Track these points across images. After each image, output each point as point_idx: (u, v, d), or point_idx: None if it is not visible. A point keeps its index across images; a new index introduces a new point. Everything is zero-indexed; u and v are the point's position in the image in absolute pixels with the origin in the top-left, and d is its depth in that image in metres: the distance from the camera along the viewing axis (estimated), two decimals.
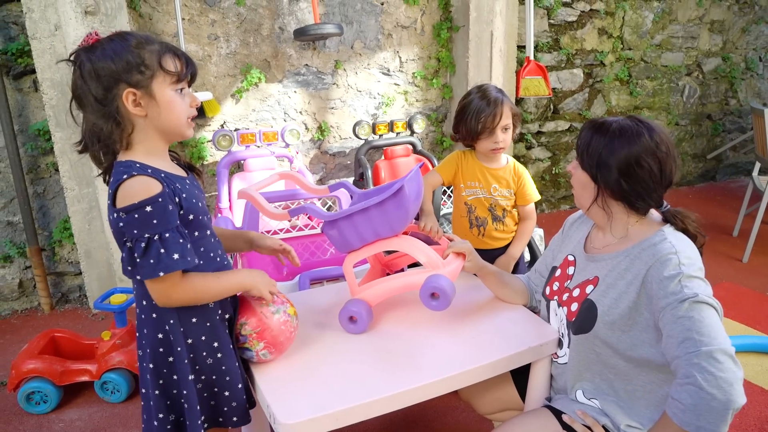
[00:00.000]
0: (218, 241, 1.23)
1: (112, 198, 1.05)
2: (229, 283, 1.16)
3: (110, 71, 1.03)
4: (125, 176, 1.04)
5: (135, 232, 1.02)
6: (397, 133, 3.16)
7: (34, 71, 2.42)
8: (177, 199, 1.08)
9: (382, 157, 3.16)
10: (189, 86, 1.14)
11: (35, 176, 2.70)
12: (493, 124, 1.77)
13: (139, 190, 1.03)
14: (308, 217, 2.52)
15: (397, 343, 1.37)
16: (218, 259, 1.21)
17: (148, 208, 1.02)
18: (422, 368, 1.26)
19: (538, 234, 2.49)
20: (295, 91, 3.12)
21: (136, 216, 1.01)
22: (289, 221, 2.28)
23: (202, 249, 1.15)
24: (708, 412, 0.99)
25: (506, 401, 1.55)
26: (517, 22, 3.48)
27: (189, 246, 1.07)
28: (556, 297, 1.40)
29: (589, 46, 4.04)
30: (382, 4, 3.21)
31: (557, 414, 1.26)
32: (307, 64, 3.10)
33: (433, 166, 3.17)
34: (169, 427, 1.15)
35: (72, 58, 1.06)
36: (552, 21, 3.83)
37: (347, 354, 1.32)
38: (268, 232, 2.19)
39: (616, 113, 4.35)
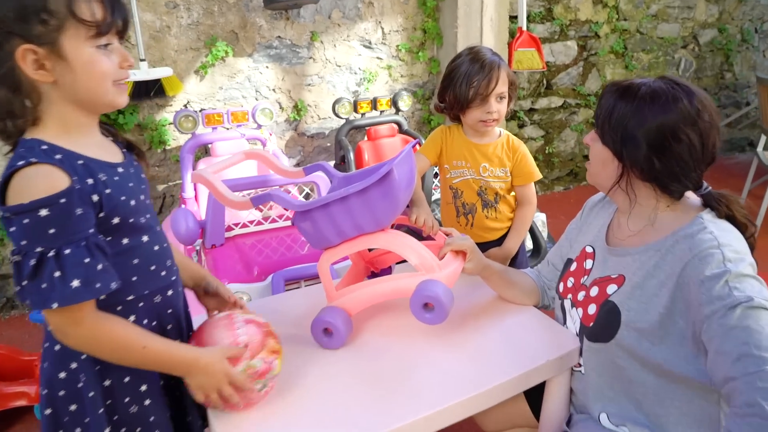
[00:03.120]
0: (165, 248, 0.94)
1: (1, 191, 0.76)
2: (160, 357, 0.85)
3: None
4: (21, 163, 0.75)
5: (23, 243, 0.74)
6: (381, 112, 2.88)
7: None
8: (96, 197, 0.80)
9: (365, 138, 2.89)
10: (121, 39, 0.84)
11: None
12: (487, 91, 1.48)
13: (34, 184, 0.75)
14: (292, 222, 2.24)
15: (387, 362, 1.12)
16: (162, 273, 0.92)
17: (43, 212, 0.74)
18: (421, 395, 1.02)
19: (540, 219, 2.25)
20: (267, 67, 2.81)
21: (26, 222, 0.74)
22: (258, 210, 2.00)
23: (135, 261, 0.87)
24: None
25: (516, 418, 1.32)
26: None
27: (101, 267, 0.78)
28: (570, 295, 1.18)
29: (584, 16, 3.78)
30: None
31: None
32: (279, 36, 2.79)
33: (420, 146, 2.91)
34: None
35: None
36: None
37: (328, 379, 1.06)
38: (236, 225, 1.91)
39: None
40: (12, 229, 0.75)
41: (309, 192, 1.92)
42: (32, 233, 0.74)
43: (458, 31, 3.02)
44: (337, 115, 2.77)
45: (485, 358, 1.12)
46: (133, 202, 0.86)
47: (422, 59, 3.19)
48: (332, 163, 3.10)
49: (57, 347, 0.84)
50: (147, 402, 0.89)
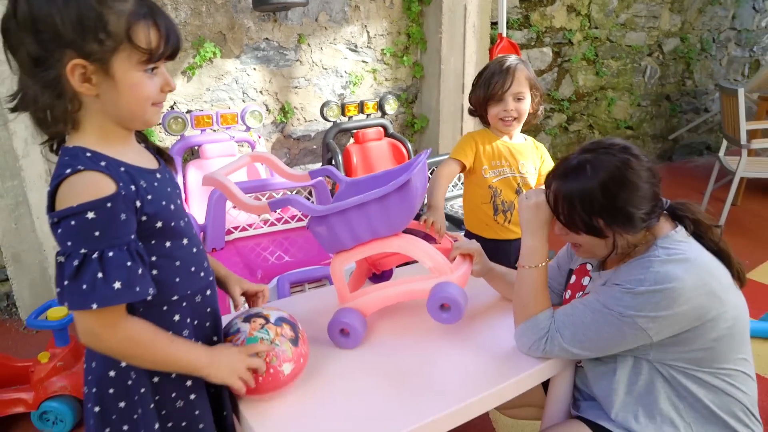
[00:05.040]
0: (201, 250, 0.96)
1: (51, 198, 0.78)
2: (180, 359, 0.87)
3: (53, 28, 0.74)
4: (68, 170, 0.77)
5: (69, 244, 0.76)
6: (368, 115, 2.92)
7: None
8: (138, 203, 0.81)
9: (352, 141, 2.92)
10: (167, 61, 0.85)
11: None
12: (503, 89, 1.62)
13: (82, 189, 0.76)
14: (280, 210, 2.25)
15: (407, 360, 1.17)
16: (202, 274, 0.95)
17: (90, 215, 0.75)
18: (446, 392, 1.06)
19: None
20: (254, 68, 2.81)
21: (73, 223, 0.75)
22: (272, 213, 2.01)
23: (177, 263, 0.89)
24: None
25: (528, 396, 1.39)
26: None
27: (141, 272, 0.80)
28: None
29: (558, 23, 3.92)
30: None
31: (592, 426, 1.13)
32: (267, 38, 2.79)
33: (406, 149, 2.96)
34: None
35: None
36: None
37: (349, 378, 1.10)
38: (235, 228, 1.91)
39: (582, 93, 4.27)
40: (59, 231, 0.76)
41: (307, 196, 1.94)
42: (78, 235, 0.75)
43: (442, 36, 3.08)
44: (325, 118, 2.79)
45: (499, 355, 1.18)
46: (172, 207, 0.88)
47: (406, 63, 3.24)
48: (318, 165, 3.12)
49: None
50: (192, 396, 0.91)
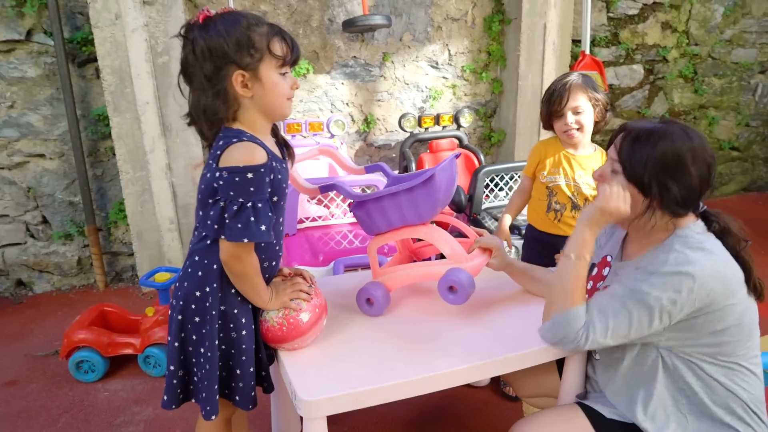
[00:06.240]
0: (282, 231, 1.27)
1: (217, 158, 1.09)
2: (260, 288, 1.17)
3: (222, 51, 1.07)
4: (235, 140, 1.08)
5: (231, 193, 1.06)
6: (443, 127, 3.12)
7: (96, 59, 2.55)
8: (272, 176, 1.11)
9: (427, 151, 3.14)
10: (292, 68, 1.17)
11: (95, 159, 2.85)
12: (560, 106, 1.79)
13: (244, 155, 1.07)
14: (347, 205, 2.52)
15: (423, 329, 1.35)
16: (277, 247, 1.24)
17: (250, 175, 1.06)
18: (447, 355, 1.23)
19: None
20: (342, 83, 3.14)
21: (237, 179, 1.05)
22: (326, 208, 2.30)
23: (275, 233, 1.19)
24: None
25: (547, 387, 1.50)
26: (573, 15, 3.35)
27: (273, 221, 1.10)
28: (587, 296, 1.35)
29: (651, 40, 3.84)
30: None
31: (589, 412, 1.22)
32: (355, 56, 3.12)
33: (479, 161, 3.11)
34: (175, 381, 1.18)
35: (184, 33, 1.11)
36: (611, 14, 3.67)
37: (372, 338, 1.31)
38: (306, 218, 2.21)
39: (678, 112, 4.12)
40: (221, 183, 1.06)
41: (365, 189, 2.19)
42: (239, 188, 1.05)
43: (521, 54, 3.21)
44: (402, 129, 3.04)
45: (507, 334, 1.32)
46: (286, 189, 1.19)
47: (486, 80, 3.41)
48: (396, 172, 3.37)
49: (200, 273, 1.15)
50: (243, 332, 1.18)
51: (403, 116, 3.02)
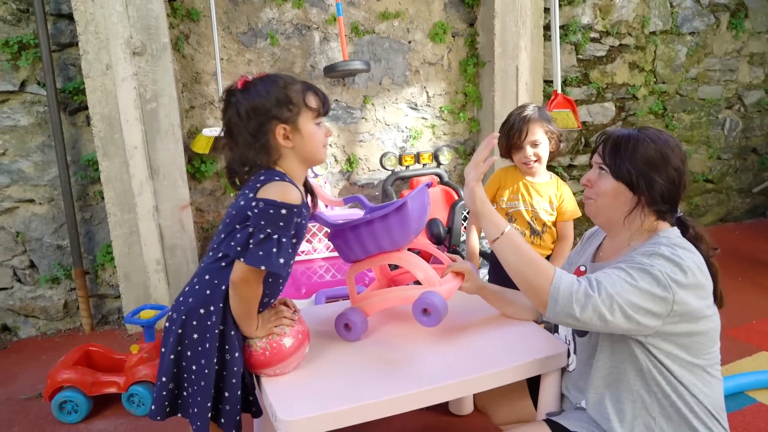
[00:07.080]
0: (290, 271, 1.34)
1: (256, 189, 1.18)
2: (253, 317, 1.24)
3: (265, 109, 1.19)
4: (277, 178, 1.19)
5: (262, 222, 1.14)
6: (424, 165, 3.23)
7: (87, 107, 2.66)
8: (299, 219, 1.21)
9: (408, 188, 3.23)
10: (325, 116, 1.30)
11: (84, 203, 2.92)
12: (520, 140, 1.92)
13: (283, 192, 1.17)
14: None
15: (400, 352, 1.40)
16: (280, 287, 1.32)
17: (283, 211, 1.15)
18: (423, 375, 1.28)
19: None
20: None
21: (271, 211, 1.14)
22: (308, 242, 2.36)
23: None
24: None
25: (519, 413, 1.54)
26: (543, 57, 3.54)
27: (291, 258, 1.20)
28: None
29: (620, 80, 4.04)
30: (410, 42, 3.36)
31: (556, 428, 1.25)
32: (337, 100, 3.26)
33: (458, 196, 3.21)
34: (164, 393, 1.21)
35: (226, 98, 1.23)
36: (580, 56, 3.87)
37: (350, 361, 1.36)
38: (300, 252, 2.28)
39: None
40: (255, 211, 1.15)
41: None
42: (270, 220, 1.14)
43: (495, 94, 3.37)
44: (383, 167, 3.15)
45: (483, 354, 1.37)
46: (304, 234, 1.29)
47: (463, 119, 3.56)
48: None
49: (208, 291, 1.21)
50: (237, 354, 1.22)
51: (383, 155, 3.13)
